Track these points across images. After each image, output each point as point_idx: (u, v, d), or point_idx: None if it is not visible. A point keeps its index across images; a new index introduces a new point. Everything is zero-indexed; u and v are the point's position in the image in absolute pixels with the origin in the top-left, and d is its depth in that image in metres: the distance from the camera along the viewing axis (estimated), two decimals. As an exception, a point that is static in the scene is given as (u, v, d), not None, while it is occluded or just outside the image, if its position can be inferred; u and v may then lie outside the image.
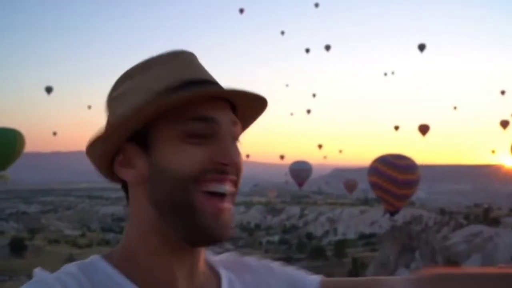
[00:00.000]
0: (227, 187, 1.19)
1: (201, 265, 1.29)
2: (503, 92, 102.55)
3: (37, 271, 1.21)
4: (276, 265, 1.42)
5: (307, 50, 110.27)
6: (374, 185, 27.05)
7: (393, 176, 27.38)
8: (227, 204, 1.19)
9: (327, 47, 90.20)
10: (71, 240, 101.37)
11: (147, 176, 1.21)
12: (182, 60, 1.27)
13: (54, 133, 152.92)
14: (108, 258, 1.25)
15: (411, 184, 27.63)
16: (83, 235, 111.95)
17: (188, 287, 1.25)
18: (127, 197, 1.29)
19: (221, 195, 1.19)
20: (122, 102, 1.23)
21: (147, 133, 1.21)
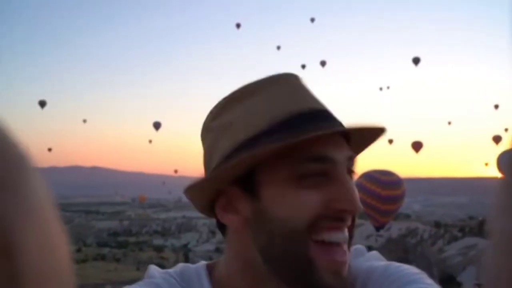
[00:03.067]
0: (344, 236, 1.09)
1: None
2: (496, 106, 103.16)
3: (151, 268, 1.30)
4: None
5: (303, 66, 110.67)
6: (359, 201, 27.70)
7: (377, 192, 27.86)
8: (346, 256, 1.09)
9: (323, 63, 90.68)
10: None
11: (252, 222, 1.12)
12: (288, 87, 1.16)
13: (49, 149, 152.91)
14: (211, 270, 1.26)
15: (396, 200, 28.08)
16: (79, 250, 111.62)
17: None
18: (223, 233, 1.22)
19: (338, 245, 1.08)
20: (224, 137, 1.14)
21: (253, 175, 1.11)
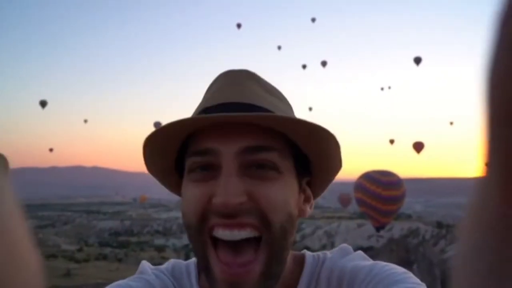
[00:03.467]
0: (236, 233, 1.02)
1: None
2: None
3: (144, 264, 1.28)
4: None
5: (304, 66, 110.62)
6: (359, 201, 27.53)
7: (377, 192, 27.96)
8: (246, 266, 1.03)
9: (323, 63, 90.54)
10: (68, 255, 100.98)
11: None
12: (226, 81, 1.16)
13: (51, 150, 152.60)
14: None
15: (396, 200, 28.16)
16: (80, 250, 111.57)
17: None
18: None
19: (232, 244, 1.03)
20: None
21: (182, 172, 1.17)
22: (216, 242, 1.05)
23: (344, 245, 1.31)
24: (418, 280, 1.10)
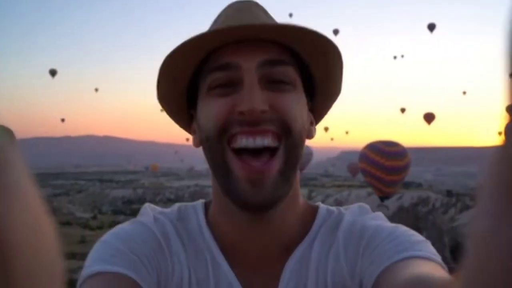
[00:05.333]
0: (260, 141, 1.05)
1: (279, 228, 1.17)
2: None
3: (146, 207, 1.29)
4: (386, 236, 1.14)
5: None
6: (364, 171, 27.99)
7: (380, 163, 28.46)
8: (266, 164, 1.06)
9: (335, 32, 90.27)
10: (82, 223, 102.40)
11: (198, 139, 1.18)
12: (235, 8, 1.19)
13: (63, 120, 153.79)
14: (207, 207, 1.28)
15: (400, 170, 28.65)
16: (94, 218, 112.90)
17: (260, 255, 1.18)
18: None
19: (258, 153, 1.07)
20: None
21: (195, 95, 1.18)
22: (236, 152, 1.08)
23: (362, 204, 1.30)
24: (435, 251, 1.10)
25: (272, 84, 1.09)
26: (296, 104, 1.10)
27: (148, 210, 1.27)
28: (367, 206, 1.29)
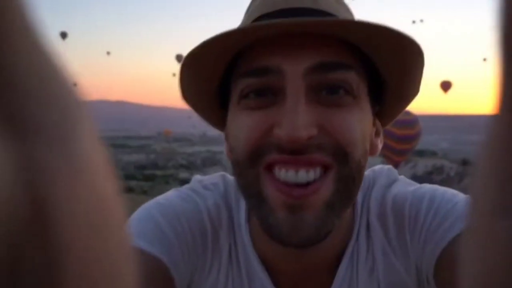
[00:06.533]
0: (303, 175, 0.82)
1: (325, 252, 0.97)
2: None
3: (196, 180, 1.10)
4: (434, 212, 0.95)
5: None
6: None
7: (391, 132, 27.41)
8: (309, 190, 0.82)
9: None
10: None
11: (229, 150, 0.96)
12: None
13: (74, 84, 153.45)
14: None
15: (410, 139, 27.44)
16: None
17: (303, 276, 0.99)
18: None
19: (293, 184, 0.83)
20: None
21: (227, 97, 0.94)
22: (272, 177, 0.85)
23: (387, 167, 1.11)
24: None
25: (326, 95, 0.83)
26: (357, 122, 0.85)
27: (199, 186, 1.08)
28: (394, 171, 1.10)
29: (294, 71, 0.80)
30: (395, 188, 1.03)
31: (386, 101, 0.98)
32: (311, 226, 0.82)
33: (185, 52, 0.81)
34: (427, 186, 1.02)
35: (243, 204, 1.03)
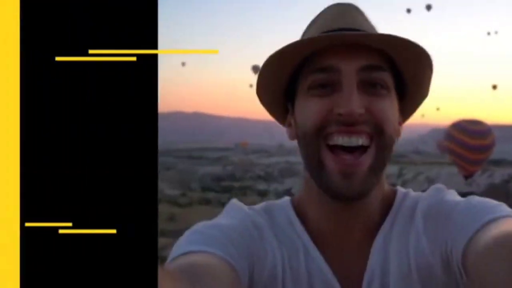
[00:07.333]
0: (354, 140, 1.13)
1: (364, 214, 1.23)
2: None
3: (233, 203, 1.34)
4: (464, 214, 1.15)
5: (408, 11, 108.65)
6: (448, 150, 27.67)
7: (465, 141, 27.84)
8: (357, 159, 1.13)
9: (428, 7, 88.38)
10: (172, 200, 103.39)
11: (294, 133, 1.25)
12: (336, 11, 1.25)
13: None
14: (294, 202, 1.33)
15: (484, 149, 27.88)
16: (183, 195, 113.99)
17: (346, 238, 1.23)
18: None
19: (351, 150, 1.13)
20: None
21: (295, 89, 1.24)
22: (330, 148, 1.15)
23: (438, 185, 1.33)
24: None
25: (369, 88, 1.15)
26: (389, 108, 1.17)
27: (236, 205, 1.32)
28: (443, 186, 1.32)
29: (349, 69, 1.12)
30: (441, 196, 1.27)
31: (404, 101, 1.28)
32: (358, 185, 1.12)
33: (261, 64, 1.22)
34: (475, 197, 1.22)
35: (288, 206, 1.32)
